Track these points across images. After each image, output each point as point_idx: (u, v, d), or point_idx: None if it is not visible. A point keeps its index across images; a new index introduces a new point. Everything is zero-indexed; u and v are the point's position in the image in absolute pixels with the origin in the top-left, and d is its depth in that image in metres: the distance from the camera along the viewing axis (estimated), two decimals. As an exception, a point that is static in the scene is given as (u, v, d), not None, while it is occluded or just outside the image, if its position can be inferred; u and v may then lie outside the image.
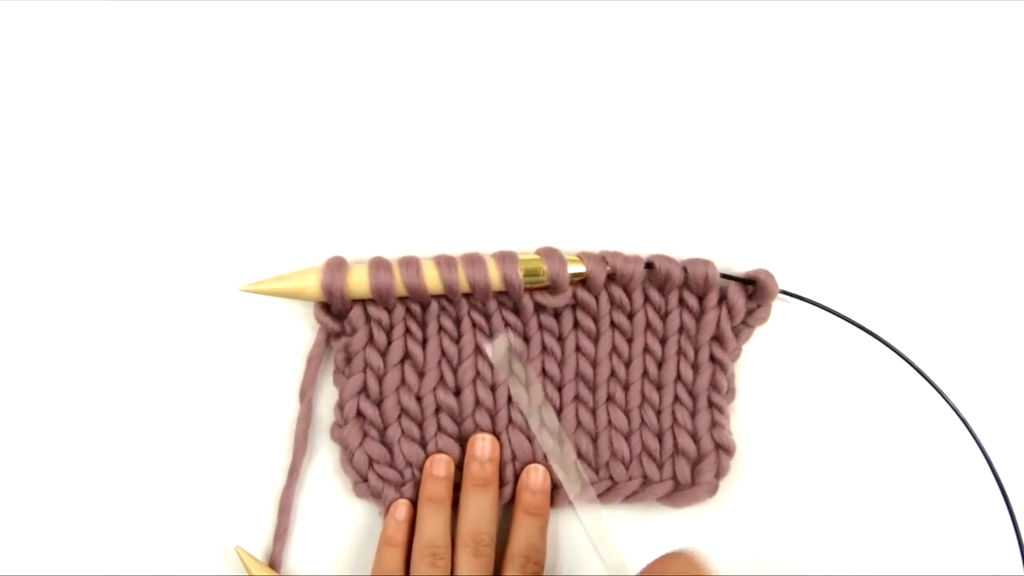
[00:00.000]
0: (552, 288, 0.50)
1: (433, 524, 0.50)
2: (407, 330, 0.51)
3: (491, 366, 0.51)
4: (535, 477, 0.51)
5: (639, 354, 0.51)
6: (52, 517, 0.52)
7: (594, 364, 0.52)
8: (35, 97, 0.53)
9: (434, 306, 0.51)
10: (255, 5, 0.53)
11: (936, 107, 0.54)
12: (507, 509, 0.52)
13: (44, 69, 0.53)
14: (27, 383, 0.52)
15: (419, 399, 0.51)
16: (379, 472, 0.51)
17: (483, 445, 0.51)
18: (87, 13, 0.53)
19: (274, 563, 0.51)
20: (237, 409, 0.52)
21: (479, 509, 0.50)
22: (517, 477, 0.51)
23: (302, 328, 0.52)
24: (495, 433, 0.51)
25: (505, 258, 0.50)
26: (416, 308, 0.51)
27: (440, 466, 0.51)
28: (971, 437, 0.51)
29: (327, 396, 0.52)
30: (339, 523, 0.52)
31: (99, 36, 0.53)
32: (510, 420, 0.51)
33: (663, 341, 0.52)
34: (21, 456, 0.52)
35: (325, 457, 0.53)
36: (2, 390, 0.52)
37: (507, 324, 0.51)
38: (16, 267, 0.52)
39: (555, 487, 0.51)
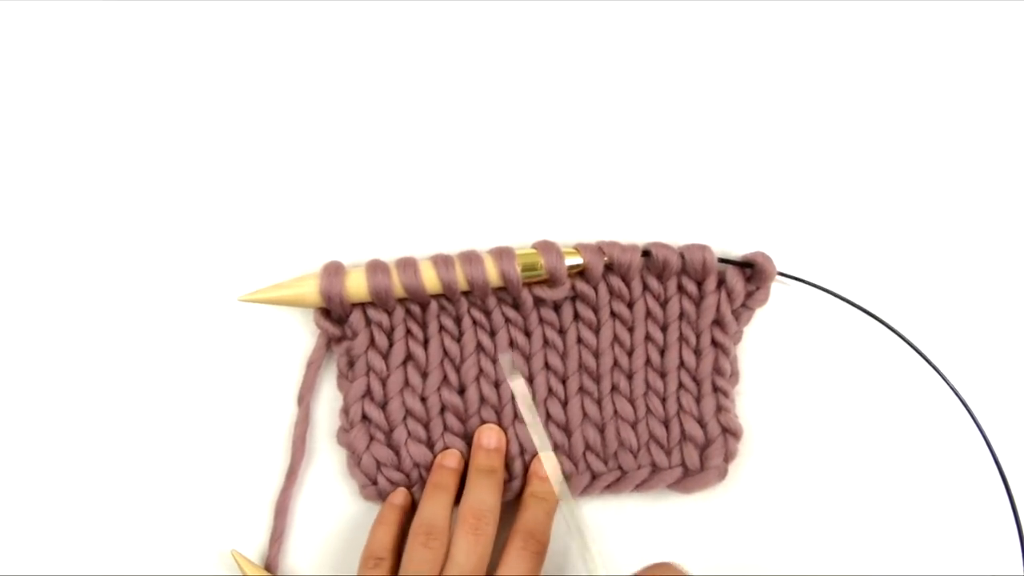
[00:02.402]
0: (550, 281, 0.50)
1: (433, 506, 0.49)
2: (408, 331, 0.51)
3: (494, 363, 0.51)
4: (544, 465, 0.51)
5: (641, 342, 0.52)
6: (52, 518, 0.52)
7: (596, 355, 0.52)
8: (35, 103, 0.52)
9: (433, 306, 0.51)
10: (252, 9, 0.53)
11: (930, 90, 0.54)
12: (511, 507, 0.52)
13: (43, 74, 0.52)
14: (28, 388, 0.52)
15: (424, 399, 0.51)
16: (387, 475, 0.51)
17: (490, 435, 0.51)
18: (87, 15, 0.52)
19: (270, 566, 0.51)
20: (238, 415, 0.52)
21: (483, 489, 0.50)
22: (526, 472, 0.51)
23: (303, 334, 0.52)
24: (502, 428, 0.51)
25: (502, 254, 0.50)
26: (416, 309, 0.51)
27: (451, 458, 0.51)
28: (969, 416, 0.52)
29: (328, 399, 0.52)
30: (335, 526, 0.52)
31: (99, 40, 0.52)
32: (516, 415, 0.51)
33: (664, 328, 0.52)
34: (21, 459, 0.52)
35: (323, 461, 0.53)
36: (3, 394, 0.52)
37: (507, 320, 0.51)
38: (16, 275, 0.52)
39: (567, 478, 0.51)
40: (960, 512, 0.52)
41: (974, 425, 0.52)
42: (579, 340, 0.52)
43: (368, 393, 0.51)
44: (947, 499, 0.53)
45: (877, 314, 0.52)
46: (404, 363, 0.51)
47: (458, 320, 0.51)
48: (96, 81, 0.53)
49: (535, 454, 0.51)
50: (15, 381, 0.52)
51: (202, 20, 0.53)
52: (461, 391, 0.51)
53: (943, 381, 0.52)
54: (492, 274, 0.50)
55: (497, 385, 0.51)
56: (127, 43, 0.53)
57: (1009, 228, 0.54)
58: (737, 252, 0.52)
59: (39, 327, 0.52)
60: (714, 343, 0.52)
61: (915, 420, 0.53)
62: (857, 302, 0.52)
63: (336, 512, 0.52)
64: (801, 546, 0.52)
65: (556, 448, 0.52)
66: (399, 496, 0.51)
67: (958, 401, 0.52)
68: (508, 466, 0.51)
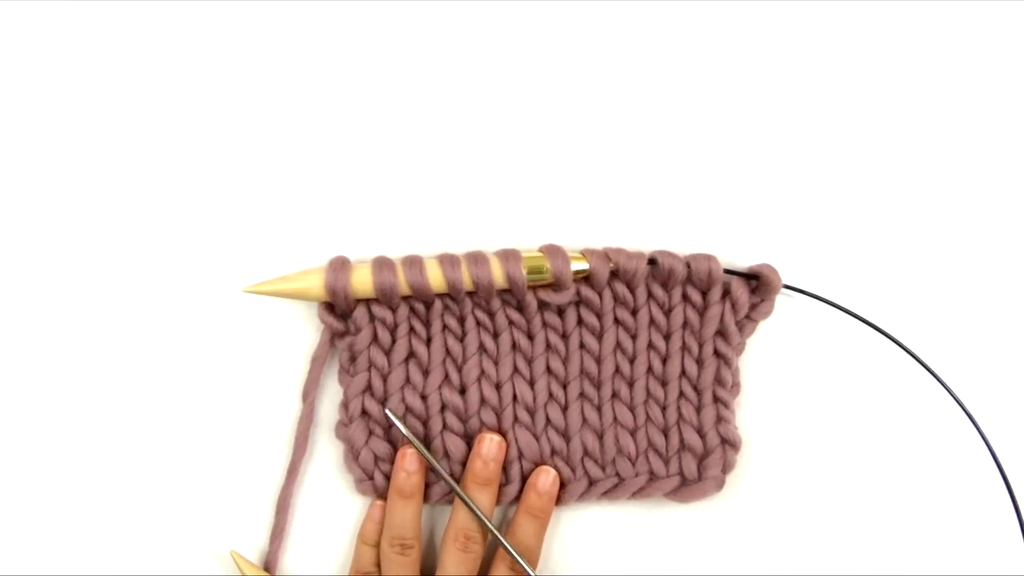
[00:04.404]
0: (555, 285, 0.50)
1: (401, 518, 0.50)
2: (411, 329, 0.51)
3: (495, 363, 0.51)
4: (544, 479, 0.51)
5: (643, 350, 0.52)
6: (53, 515, 0.52)
7: (598, 361, 0.52)
8: (36, 97, 0.53)
9: (438, 304, 0.51)
10: (256, 5, 0.53)
11: (937, 101, 0.54)
12: (506, 511, 0.53)
13: (44, 69, 0.53)
14: (30, 382, 0.52)
15: (424, 397, 0.51)
16: (384, 470, 0.51)
17: (490, 445, 0.51)
18: (87, 13, 0.53)
19: (270, 563, 0.52)
20: (241, 410, 0.52)
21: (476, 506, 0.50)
22: (523, 476, 0.51)
23: (306, 328, 0.52)
24: (501, 431, 0.51)
25: (508, 256, 0.50)
26: (420, 307, 0.51)
27: (411, 461, 0.50)
28: (975, 429, 0.51)
29: (329, 395, 0.52)
30: (336, 523, 0.53)
31: (99, 36, 0.53)
32: (516, 418, 0.51)
33: (667, 337, 0.52)
34: (23, 453, 0.52)
35: (324, 457, 0.53)
36: (3, 390, 0.52)
37: (511, 322, 0.51)
38: (19, 268, 0.52)
39: (562, 485, 0.51)
40: (964, 525, 0.52)
41: (980, 439, 0.51)
42: (581, 345, 0.52)
43: (369, 388, 0.51)
44: (951, 512, 0.52)
45: (883, 328, 0.52)
46: (406, 360, 0.51)
47: (462, 320, 0.51)
48: (99, 77, 0.53)
49: (533, 460, 0.51)
50: (17, 376, 0.52)
51: (207, 19, 0.53)
52: (462, 391, 0.51)
53: (949, 395, 0.52)
54: (498, 275, 0.50)
55: (498, 387, 0.51)
56: (129, 41, 0.53)
57: (1014, 241, 0.54)
58: (743, 263, 0.52)
59: (42, 321, 0.52)
60: (716, 353, 0.52)
61: (919, 434, 0.53)
62: (863, 316, 0.52)
63: (337, 509, 0.53)
64: (796, 560, 0.52)
65: (554, 453, 0.52)
66: (377, 511, 0.51)
67: (963, 415, 0.51)
68: (506, 469, 0.51)
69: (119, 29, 0.53)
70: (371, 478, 0.51)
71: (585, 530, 0.53)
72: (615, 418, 0.52)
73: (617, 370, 0.52)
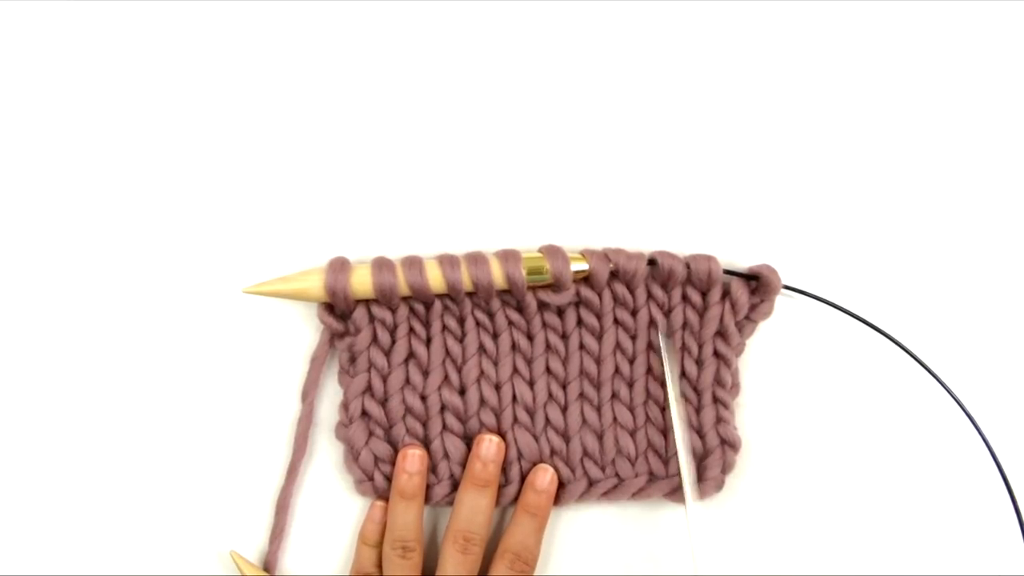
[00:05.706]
0: (555, 286, 0.50)
1: (404, 520, 0.50)
2: (411, 329, 0.51)
3: (495, 364, 0.51)
4: (542, 477, 0.51)
5: (643, 350, 0.52)
6: (54, 515, 0.52)
7: (598, 361, 0.52)
8: (36, 97, 0.53)
9: (437, 305, 0.51)
10: (255, 5, 0.53)
11: (937, 102, 0.54)
12: (505, 511, 0.53)
13: (44, 69, 0.53)
14: (29, 382, 0.52)
15: (424, 398, 0.51)
16: (384, 471, 0.51)
17: (488, 446, 0.51)
18: (87, 13, 0.53)
19: (269, 563, 0.52)
20: (241, 410, 0.52)
21: (474, 509, 0.50)
22: (522, 476, 0.52)
23: (305, 329, 0.52)
24: (500, 432, 0.51)
25: (508, 256, 0.50)
26: (420, 307, 0.51)
27: (413, 462, 0.51)
28: (975, 430, 0.51)
29: (329, 396, 0.52)
30: (336, 524, 0.53)
31: (99, 36, 0.53)
32: (515, 419, 0.51)
33: (667, 337, 0.52)
34: (23, 454, 0.52)
35: (324, 457, 0.53)
36: (3, 390, 0.52)
37: (511, 322, 0.51)
38: (19, 268, 0.52)
39: (561, 486, 0.51)
40: (964, 525, 0.52)
41: (980, 439, 0.51)
42: (581, 346, 0.52)
43: (369, 389, 0.51)
44: (951, 512, 0.52)
45: (882, 328, 0.52)
46: (406, 361, 0.51)
47: (461, 321, 0.51)
48: (99, 77, 0.53)
49: (533, 461, 0.51)
50: (17, 376, 0.52)
51: (207, 19, 0.53)
52: (462, 392, 0.51)
53: (949, 396, 0.52)
54: (497, 276, 0.50)
55: (498, 388, 0.51)
56: (129, 41, 0.53)
57: (1014, 241, 0.54)
58: (743, 263, 0.52)
59: (42, 321, 0.52)
60: (716, 354, 0.52)
61: (919, 435, 0.53)
62: (863, 316, 0.52)
63: (337, 510, 0.53)
64: (796, 560, 0.52)
65: (554, 454, 0.52)
66: (378, 512, 0.51)
67: (964, 416, 0.51)
68: (505, 470, 0.51)
69: (119, 29, 0.53)
70: (371, 479, 0.51)
71: (585, 530, 0.53)
72: (615, 418, 0.52)
73: (617, 371, 0.52)
